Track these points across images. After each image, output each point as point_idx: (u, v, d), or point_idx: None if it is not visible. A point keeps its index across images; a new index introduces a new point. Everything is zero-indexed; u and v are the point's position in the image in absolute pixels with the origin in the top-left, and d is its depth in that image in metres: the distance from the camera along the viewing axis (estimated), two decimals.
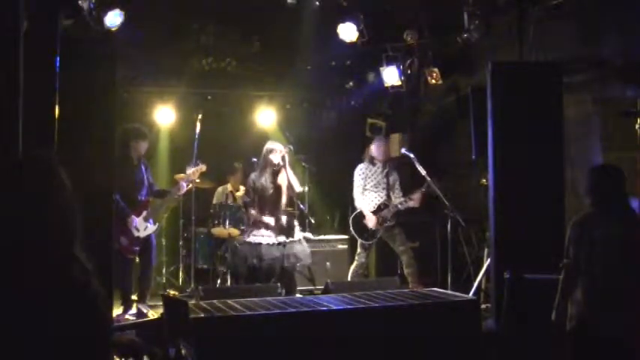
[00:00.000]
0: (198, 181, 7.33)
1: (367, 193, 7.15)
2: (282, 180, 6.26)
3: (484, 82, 5.83)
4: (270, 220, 6.22)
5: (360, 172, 7.20)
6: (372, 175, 7.18)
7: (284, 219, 6.32)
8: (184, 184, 6.89)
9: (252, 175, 6.32)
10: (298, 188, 6.42)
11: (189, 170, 7.00)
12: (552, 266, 4.00)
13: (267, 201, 6.25)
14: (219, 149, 8.58)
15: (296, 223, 6.59)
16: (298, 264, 6.31)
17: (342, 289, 5.09)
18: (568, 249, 3.77)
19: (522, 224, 5.42)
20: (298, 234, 6.43)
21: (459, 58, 7.73)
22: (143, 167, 6.65)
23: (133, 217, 6.38)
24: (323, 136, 9.64)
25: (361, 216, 7.08)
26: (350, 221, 7.19)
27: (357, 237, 7.13)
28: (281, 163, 6.17)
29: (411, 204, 6.98)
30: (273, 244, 6.14)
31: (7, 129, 3.70)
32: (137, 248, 6.46)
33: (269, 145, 6.32)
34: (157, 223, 6.80)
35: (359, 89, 9.11)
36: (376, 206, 7.10)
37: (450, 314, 4.57)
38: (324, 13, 6.79)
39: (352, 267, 7.20)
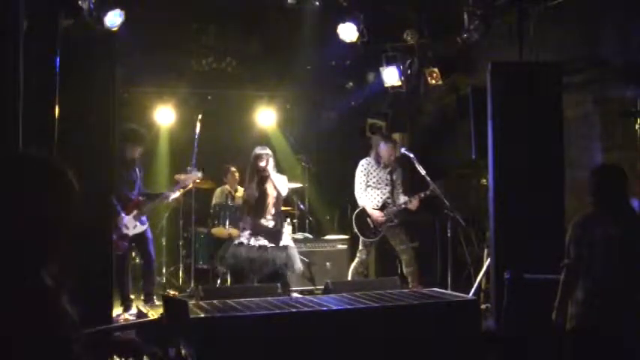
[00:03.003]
0: (190, 185, 7.34)
1: (369, 190, 7.11)
2: (269, 186, 6.28)
3: (484, 82, 5.82)
4: (255, 225, 6.25)
5: (362, 168, 7.14)
6: (375, 171, 7.13)
7: (271, 225, 6.32)
8: (175, 190, 6.94)
9: (245, 182, 6.41)
10: (284, 193, 6.42)
11: (187, 175, 7.03)
12: (552, 266, 4.00)
13: (254, 207, 6.29)
14: (219, 149, 8.58)
15: (286, 230, 6.62)
16: (280, 271, 6.20)
17: (342, 289, 5.09)
18: (568, 249, 3.77)
19: (522, 224, 5.41)
20: (286, 241, 6.40)
21: (459, 58, 7.72)
22: (137, 168, 6.69)
23: (123, 215, 6.43)
24: (323, 136, 9.63)
25: (364, 213, 7.06)
26: (353, 218, 7.16)
27: (359, 234, 7.10)
28: (266, 171, 6.18)
29: (410, 206, 7.00)
30: (253, 246, 6.16)
31: (7, 129, 3.70)
32: (125, 244, 6.49)
33: (257, 150, 6.33)
34: (147, 224, 6.77)
35: (359, 89, 9.10)
36: (380, 204, 7.07)
37: (450, 314, 4.57)
38: (324, 13, 6.79)
39: (353, 264, 7.18)
